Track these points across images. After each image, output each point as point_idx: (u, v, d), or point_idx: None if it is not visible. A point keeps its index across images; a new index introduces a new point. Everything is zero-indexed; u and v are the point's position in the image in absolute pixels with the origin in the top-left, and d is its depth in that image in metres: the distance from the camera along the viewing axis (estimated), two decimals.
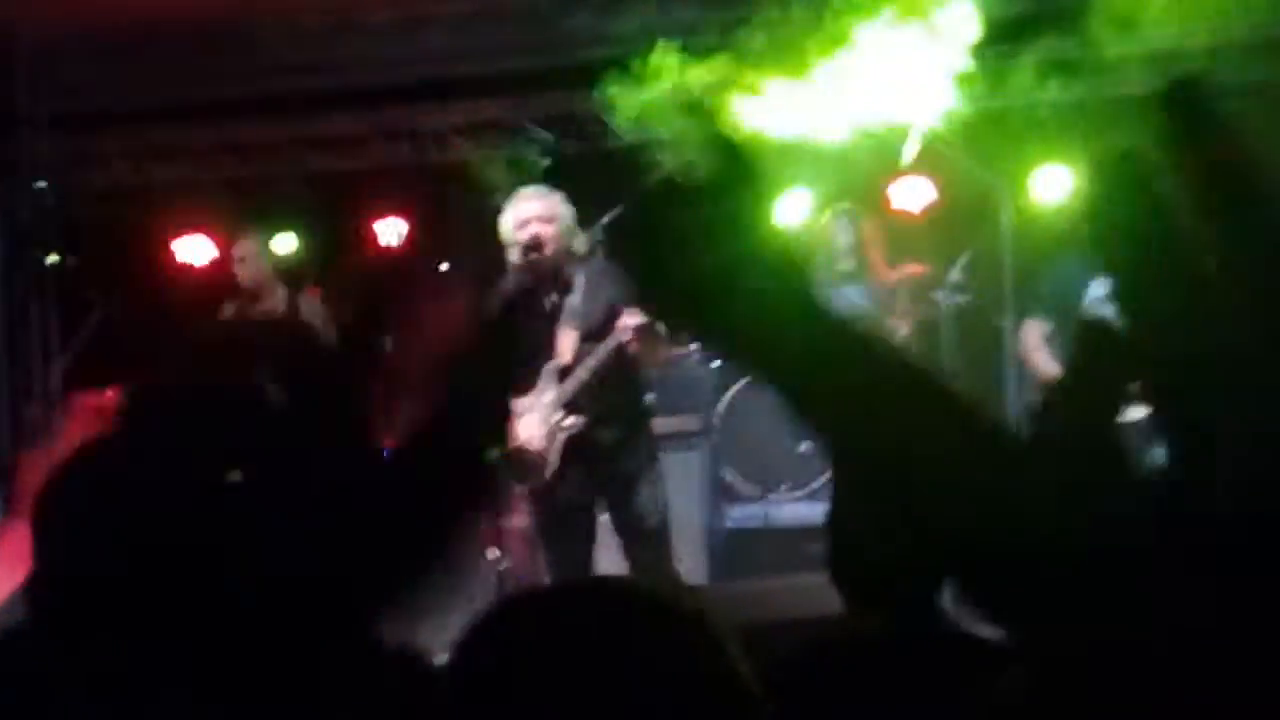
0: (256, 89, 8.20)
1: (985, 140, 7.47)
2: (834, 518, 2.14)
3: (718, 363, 8.59)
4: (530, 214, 5.96)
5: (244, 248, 7.24)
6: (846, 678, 1.86)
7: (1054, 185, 7.49)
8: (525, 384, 6.07)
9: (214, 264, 8.27)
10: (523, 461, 6.07)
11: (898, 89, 5.98)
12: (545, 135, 8.23)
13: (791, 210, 7.91)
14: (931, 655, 1.91)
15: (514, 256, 6.01)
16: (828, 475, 6.89)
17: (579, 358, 5.97)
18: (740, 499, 8.31)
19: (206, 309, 7.33)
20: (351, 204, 8.49)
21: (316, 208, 8.44)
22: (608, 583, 1.54)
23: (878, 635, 2.00)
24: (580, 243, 6.11)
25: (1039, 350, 6.72)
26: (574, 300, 6.01)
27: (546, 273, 6.00)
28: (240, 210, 8.04)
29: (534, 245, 5.92)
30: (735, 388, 8.40)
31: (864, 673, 1.90)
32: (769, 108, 5.85)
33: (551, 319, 6.03)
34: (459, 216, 7.96)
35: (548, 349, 6.03)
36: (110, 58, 8.09)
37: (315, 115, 8.39)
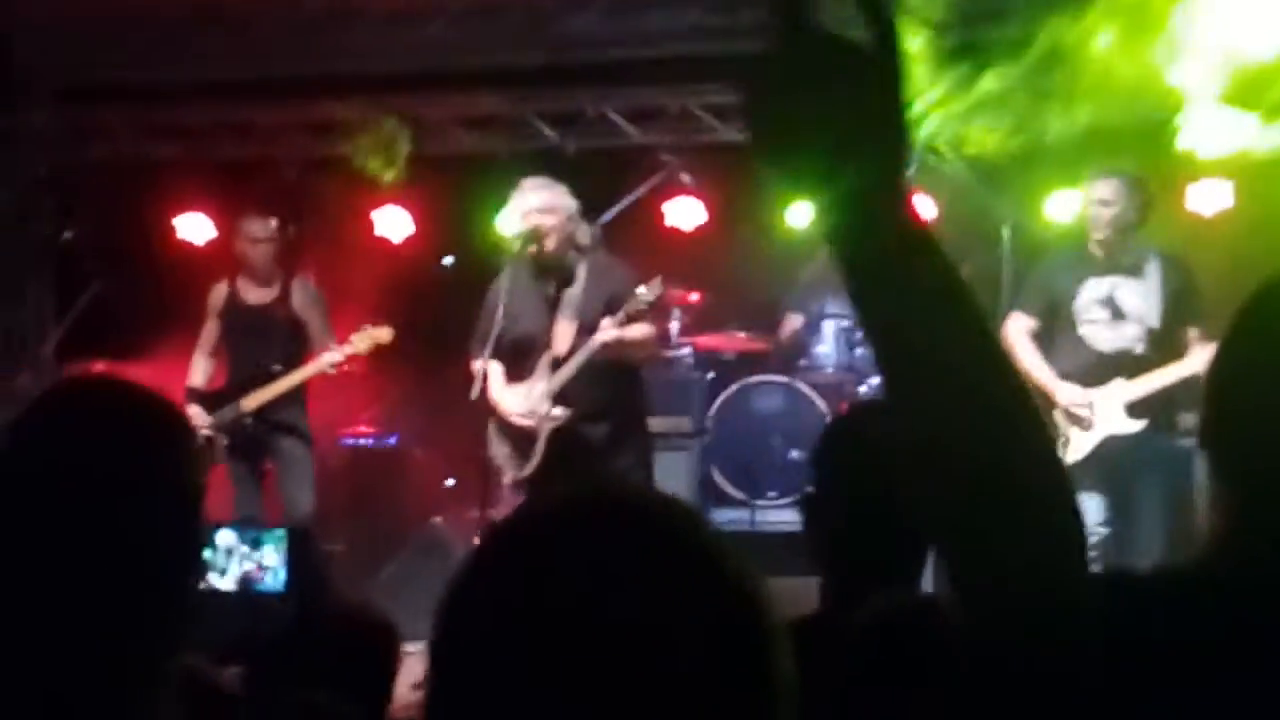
0: (256, 71, 8.16)
1: (989, 161, 7.42)
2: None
3: (711, 373, 8.57)
4: (532, 205, 5.95)
5: (256, 228, 7.20)
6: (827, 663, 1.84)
7: (1063, 209, 7.30)
8: (521, 373, 6.05)
9: (212, 243, 8.23)
10: (515, 440, 6.04)
11: None
12: (549, 131, 8.22)
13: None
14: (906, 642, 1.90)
15: (515, 247, 5.99)
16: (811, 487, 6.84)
17: (574, 350, 5.95)
18: (727, 502, 8.29)
19: (202, 287, 7.29)
20: (348, 191, 8.44)
21: (314, 192, 8.40)
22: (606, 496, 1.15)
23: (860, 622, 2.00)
24: (584, 234, 6.09)
25: (1020, 344, 6.27)
26: (574, 292, 5.99)
27: (548, 264, 5.99)
28: (238, 191, 8.00)
29: (535, 236, 5.91)
30: (727, 393, 8.38)
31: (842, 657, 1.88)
32: None
33: (552, 310, 6.02)
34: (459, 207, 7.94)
35: (547, 340, 6.01)
36: (111, 33, 8.04)
37: (316, 100, 8.34)
